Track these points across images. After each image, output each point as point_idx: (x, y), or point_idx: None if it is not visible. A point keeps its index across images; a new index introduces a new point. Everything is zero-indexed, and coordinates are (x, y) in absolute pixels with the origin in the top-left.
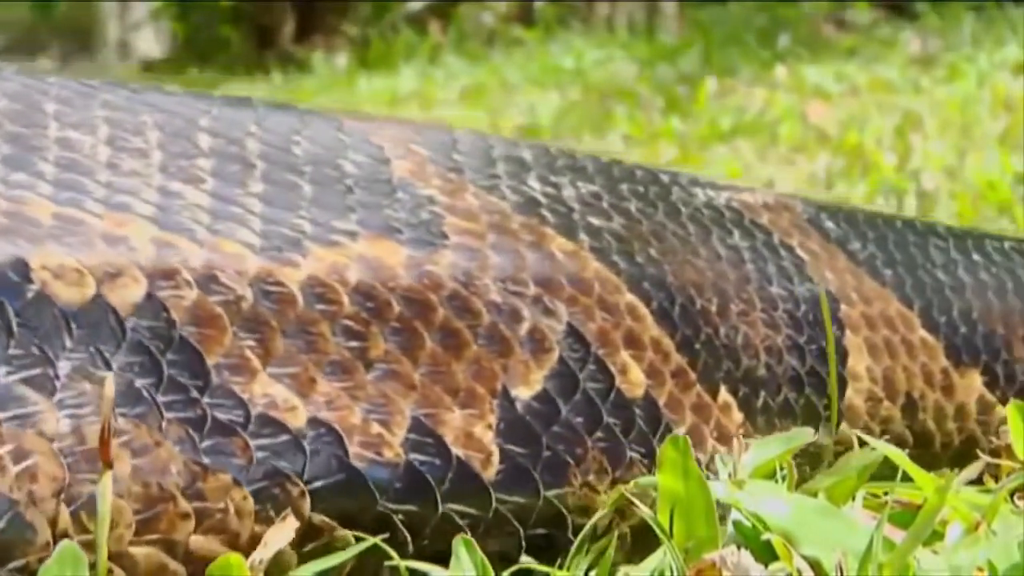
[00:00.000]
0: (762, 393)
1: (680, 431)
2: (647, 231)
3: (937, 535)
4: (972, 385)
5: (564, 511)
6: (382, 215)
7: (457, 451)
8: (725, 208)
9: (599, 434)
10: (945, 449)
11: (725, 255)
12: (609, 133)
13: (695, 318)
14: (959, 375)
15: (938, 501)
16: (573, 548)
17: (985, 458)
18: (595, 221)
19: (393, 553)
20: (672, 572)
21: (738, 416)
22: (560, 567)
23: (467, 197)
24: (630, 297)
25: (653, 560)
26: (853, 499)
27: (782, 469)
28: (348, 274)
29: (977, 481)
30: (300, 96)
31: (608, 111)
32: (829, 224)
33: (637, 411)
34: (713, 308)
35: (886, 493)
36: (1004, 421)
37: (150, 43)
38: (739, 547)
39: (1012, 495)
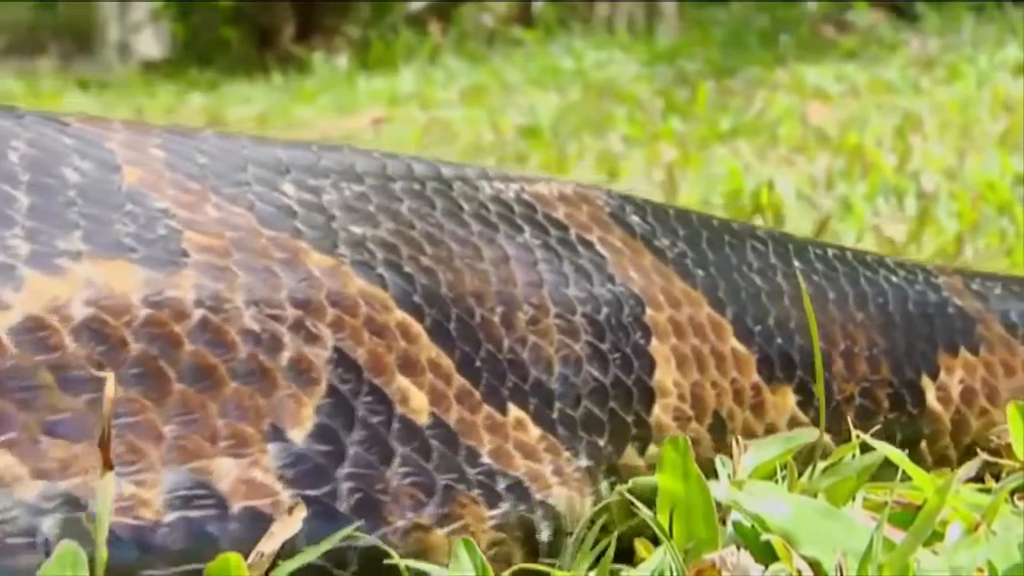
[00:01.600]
0: (557, 405)
1: (484, 452)
2: (420, 235)
3: (937, 535)
4: (784, 404)
5: (391, 551)
6: (111, 231)
7: (238, 502)
8: (515, 202)
9: (402, 469)
10: None
11: (513, 255)
12: (609, 134)
13: (474, 332)
14: (771, 392)
15: (938, 501)
16: (571, 548)
17: (984, 456)
18: (358, 230)
19: (392, 552)
20: (672, 572)
21: (535, 430)
22: (560, 568)
23: (207, 209)
24: (400, 314)
25: (653, 560)
26: (853, 499)
27: (782, 469)
28: (72, 308)
29: (978, 480)
30: (300, 97)
31: (608, 112)
32: (634, 218)
33: (431, 439)
34: (496, 318)
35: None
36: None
37: (150, 44)
38: (739, 547)
39: (1012, 495)
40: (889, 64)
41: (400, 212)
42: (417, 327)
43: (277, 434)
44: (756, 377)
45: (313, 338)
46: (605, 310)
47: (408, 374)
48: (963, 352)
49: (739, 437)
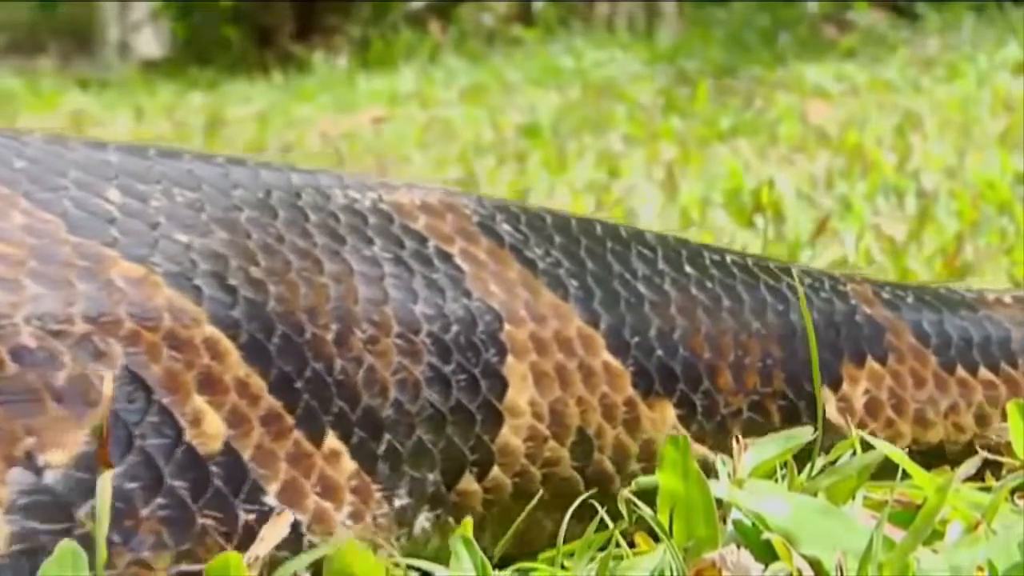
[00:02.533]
0: (386, 437)
1: (272, 487)
2: (255, 246)
3: (937, 534)
4: (663, 419)
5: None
6: None
7: None
8: (369, 212)
9: (159, 500)
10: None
11: (358, 269)
12: (609, 133)
13: (300, 351)
14: (648, 407)
15: (938, 500)
16: (561, 548)
17: (983, 454)
18: (182, 238)
19: (395, 552)
20: (672, 572)
21: (350, 465)
22: (560, 566)
23: (14, 215)
24: (210, 330)
25: (653, 560)
26: (853, 498)
27: (782, 469)
28: None
29: (978, 478)
30: (300, 96)
31: (608, 111)
32: (505, 227)
33: (213, 468)
34: (330, 336)
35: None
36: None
37: (150, 43)
38: (739, 546)
39: (1012, 494)
40: (889, 63)
41: (236, 221)
42: (227, 343)
43: (28, 462)
44: (631, 392)
45: (99, 355)
46: (455, 328)
47: (207, 394)
48: (870, 362)
49: (609, 455)
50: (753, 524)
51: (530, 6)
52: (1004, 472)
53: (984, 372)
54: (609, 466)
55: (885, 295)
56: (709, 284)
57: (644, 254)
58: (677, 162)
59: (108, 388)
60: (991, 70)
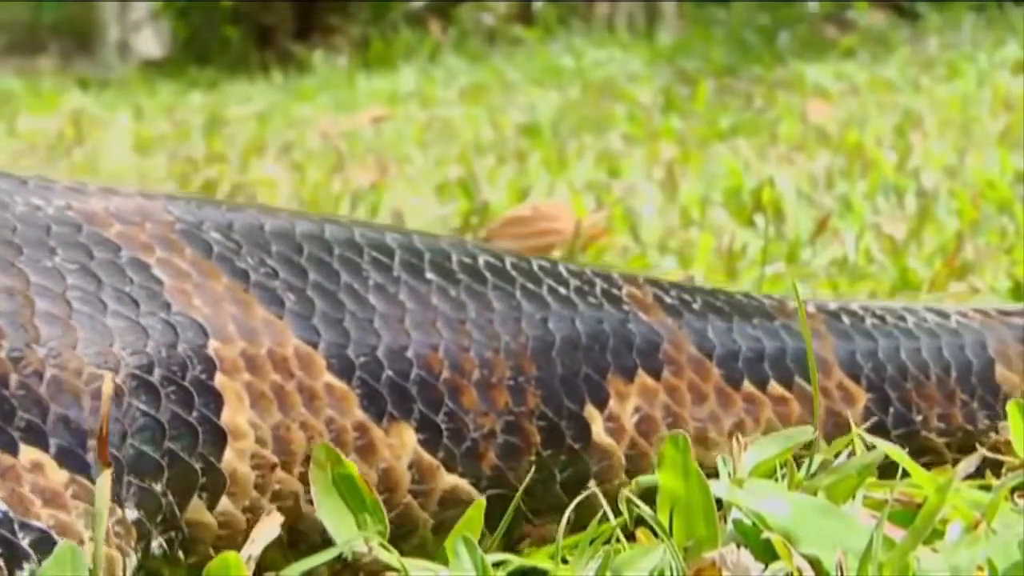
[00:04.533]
0: (90, 444)
1: None
2: None
3: (937, 534)
4: (403, 443)
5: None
6: None
7: None
8: (54, 221)
9: None
10: None
11: (35, 282)
12: (609, 132)
13: None
14: (383, 431)
15: (938, 500)
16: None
17: (983, 451)
18: None
19: (393, 551)
20: (672, 571)
21: (60, 474)
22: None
23: None
24: None
25: (653, 559)
26: (853, 498)
27: (782, 468)
28: None
29: (979, 476)
30: (300, 95)
31: (608, 110)
32: (213, 236)
33: None
34: (2, 353)
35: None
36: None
37: (150, 43)
38: (739, 546)
39: (1012, 493)
40: (889, 62)
41: None
42: None
43: None
44: (360, 415)
45: None
46: (154, 342)
47: None
48: (641, 376)
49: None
50: (753, 523)
51: (530, 6)
52: (1004, 470)
53: (774, 387)
54: None
55: (668, 300)
56: (453, 292)
57: (380, 260)
58: (677, 161)
59: (108, 387)
60: (991, 69)
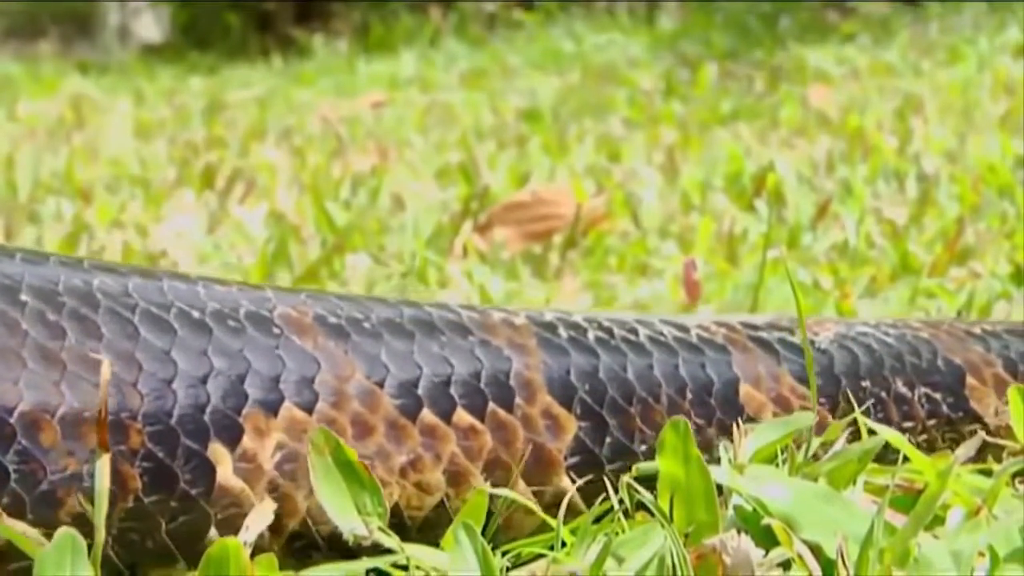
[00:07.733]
0: None
1: None
2: None
3: (938, 519)
4: None
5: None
6: None
7: None
8: None
9: None
10: None
11: None
12: (609, 117)
13: None
14: None
15: (939, 486)
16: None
17: (982, 435)
18: None
19: (396, 540)
20: (672, 557)
21: None
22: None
23: None
24: None
25: (653, 545)
26: (854, 483)
27: (783, 453)
28: None
29: (979, 460)
30: (300, 80)
31: (608, 95)
32: None
33: None
34: None
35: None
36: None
37: (150, 28)
38: (739, 532)
39: (1013, 478)
40: (890, 47)
41: None
42: None
43: None
44: None
45: None
46: None
47: None
48: (288, 407)
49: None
50: (754, 509)
51: None
52: (1005, 455)
53: (461, 415)
54: None
55: (333, 320)
56: (52, 316)
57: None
58: (678, 146)
59: (106, 371)
60: (992, 53)
